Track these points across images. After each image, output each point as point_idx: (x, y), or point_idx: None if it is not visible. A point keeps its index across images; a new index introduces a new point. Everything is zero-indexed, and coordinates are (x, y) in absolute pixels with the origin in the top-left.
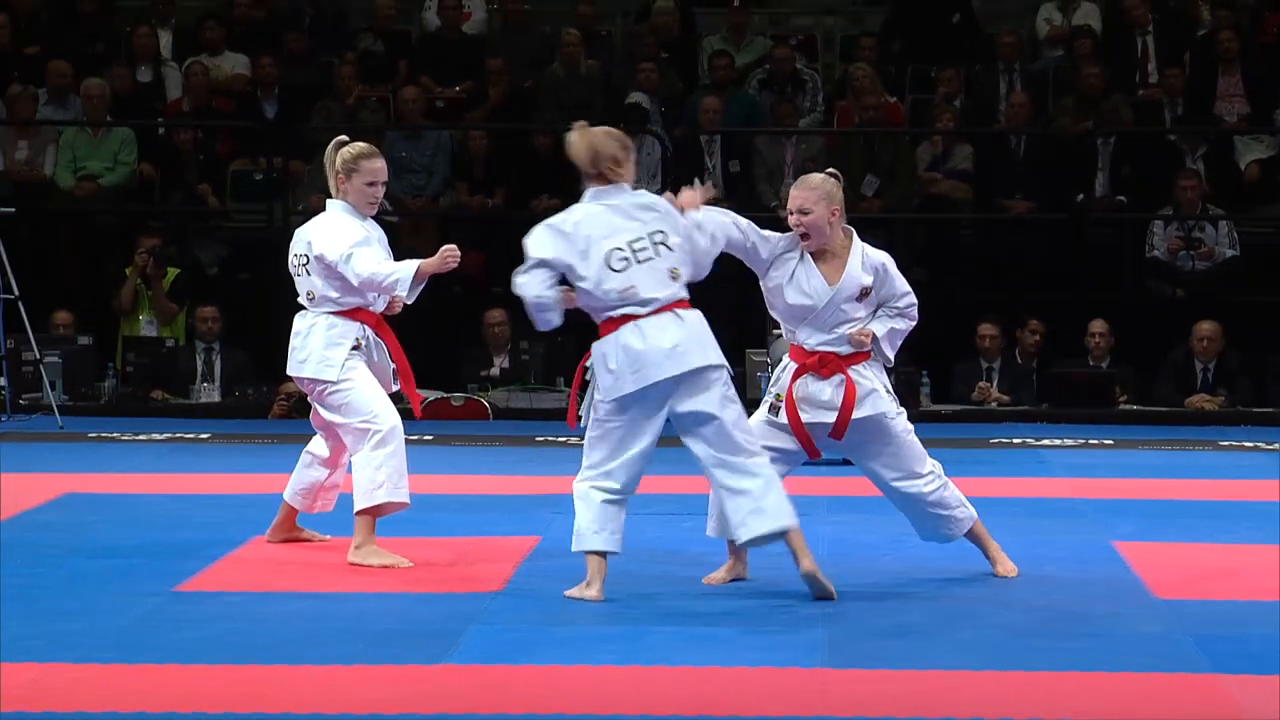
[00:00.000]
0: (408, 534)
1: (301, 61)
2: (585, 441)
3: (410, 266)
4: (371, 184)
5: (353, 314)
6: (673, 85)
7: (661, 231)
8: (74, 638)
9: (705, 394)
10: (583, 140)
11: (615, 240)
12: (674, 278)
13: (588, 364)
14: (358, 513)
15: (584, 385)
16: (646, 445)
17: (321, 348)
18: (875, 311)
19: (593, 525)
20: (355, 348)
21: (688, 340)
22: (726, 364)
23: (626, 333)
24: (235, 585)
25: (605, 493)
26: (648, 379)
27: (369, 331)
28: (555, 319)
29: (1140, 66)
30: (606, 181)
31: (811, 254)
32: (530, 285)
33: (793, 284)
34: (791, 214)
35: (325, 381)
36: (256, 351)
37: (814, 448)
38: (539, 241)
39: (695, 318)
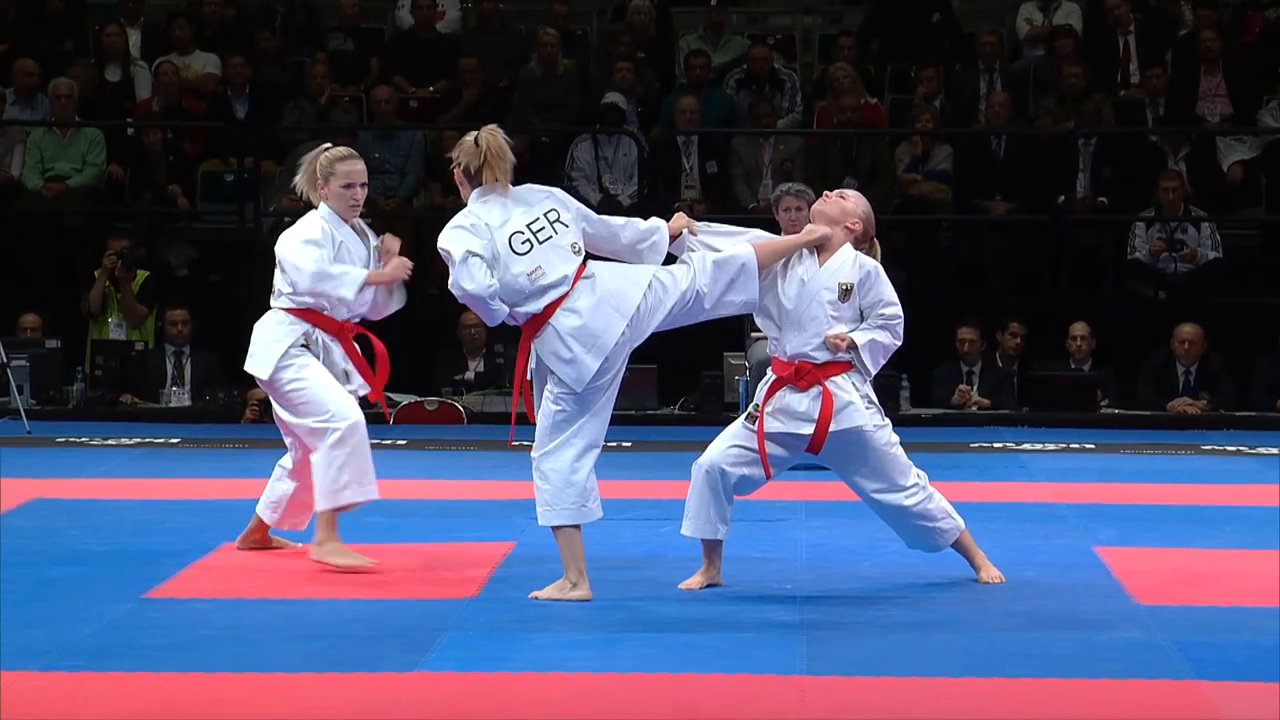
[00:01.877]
0: (381, 539)
1: (273, 60)
2: (549, 427)
3: (359, 274)
4: (348, 186)
5: (303, 314)
6: (649, 85)
7: (554, 210)
8: (41, 645)
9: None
10: (501, 140)
11: (513, 225)
12: (575, 251)
13: (531, 368)
14: (319, 511)
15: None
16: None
17: (262, 343)
18: (860, 325)
19: (591, 496)
20: (304, 346)
21: (614, 290)
22: (652, 275)
23: (561, 318)
24: (205, 592)
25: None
26: (606, 347)
27: (320, 334)
28: (505, 307)
29: (1122, 66)
30: (494, 181)
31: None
32: (473, 276)
33: (784, 270)
34: (829, 194)
35: (264, 380)
36: (227, 355)
37: (769, 469)
38: (456, 239)
39: (600, 269)
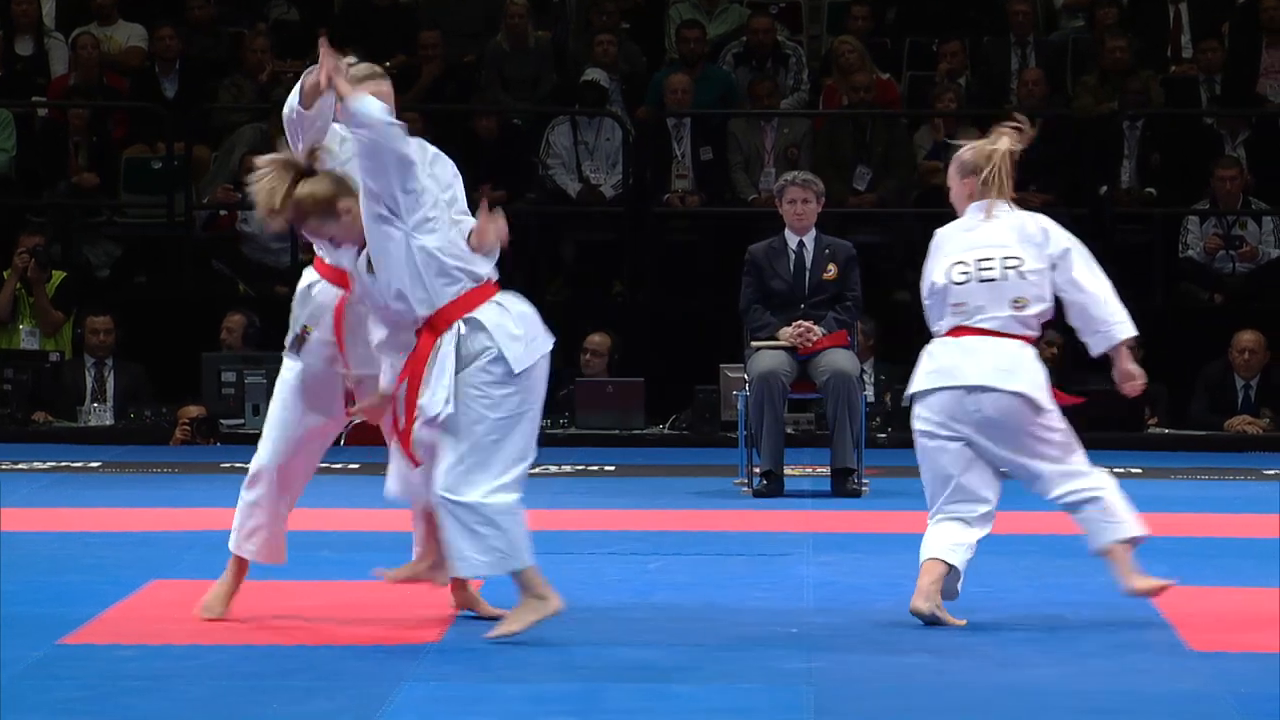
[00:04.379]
0: (330, 576)
1: (206, 32)
2: (481, 460)
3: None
4: None
5: (323, 269)
6: (635, 60)
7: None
8: None
9: None
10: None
11: (456, 189)
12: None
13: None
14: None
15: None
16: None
17: None
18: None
19: (527, 539)
20: (301, 337)
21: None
22: None
23: (509, 299)
24: (128, 637)
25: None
26: (539, 351)
27: (327, 311)
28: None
29: (1172, 39)
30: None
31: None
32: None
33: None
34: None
35: None
36: (155, 367)
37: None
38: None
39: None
